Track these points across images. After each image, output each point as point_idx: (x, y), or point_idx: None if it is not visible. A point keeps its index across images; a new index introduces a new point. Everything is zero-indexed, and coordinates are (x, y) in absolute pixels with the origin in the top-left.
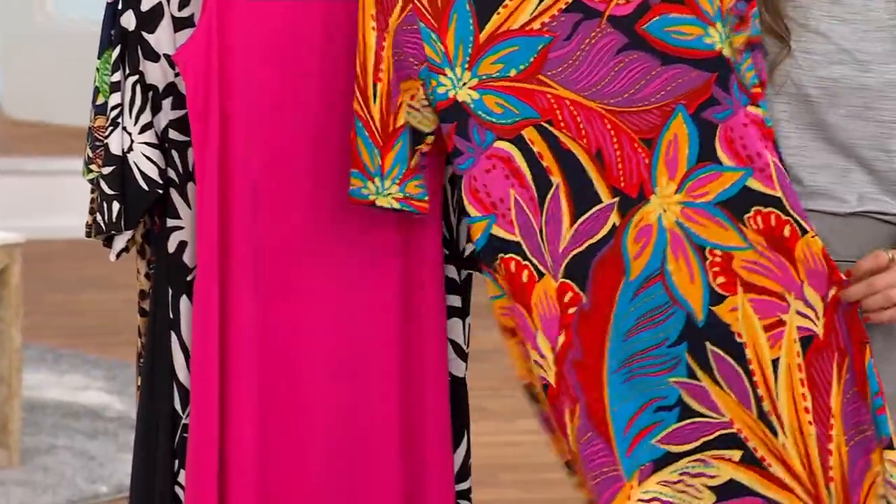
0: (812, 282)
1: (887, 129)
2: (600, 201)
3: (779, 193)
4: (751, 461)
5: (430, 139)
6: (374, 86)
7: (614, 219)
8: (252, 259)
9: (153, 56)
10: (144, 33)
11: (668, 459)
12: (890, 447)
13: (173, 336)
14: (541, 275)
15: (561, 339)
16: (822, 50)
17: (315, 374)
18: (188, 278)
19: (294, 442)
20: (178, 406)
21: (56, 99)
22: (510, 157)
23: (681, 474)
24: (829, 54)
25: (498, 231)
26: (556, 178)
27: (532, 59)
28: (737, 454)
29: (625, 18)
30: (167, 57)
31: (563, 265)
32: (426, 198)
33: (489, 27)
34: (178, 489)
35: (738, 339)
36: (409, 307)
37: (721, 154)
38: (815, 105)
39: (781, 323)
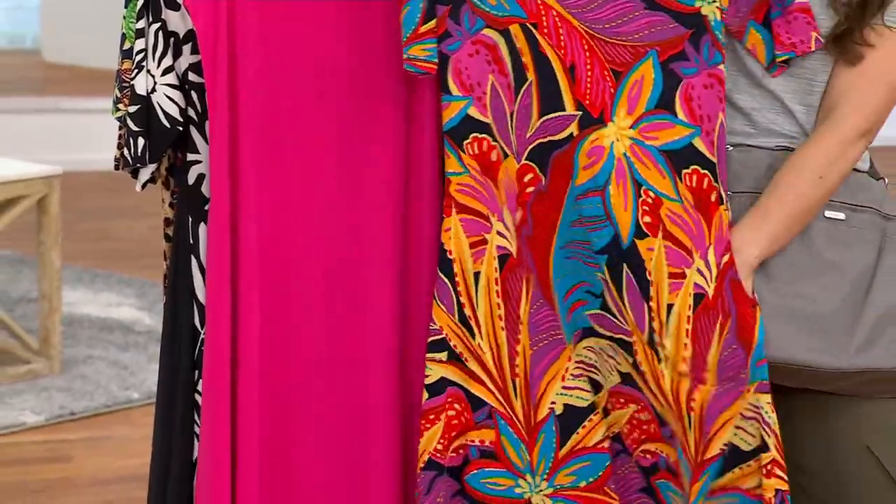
0: (717, 248)
1: (806, 84)
2: (564, 110)
3: (715, 160)
4: (637, 369)
5: None
6: None
7: (573, 129)
8: (259, 189)
9: (174, 5)
10: None
11: (593, 333)
12: (765, 391)
13: (193, 259)
14: (506, 156)
15: (518, 214)
16: None
17: (316, 286)
18: (206, 207)
19: (296, 353)
20: (197, 323)
21: (89, 44)
22: (495, 45)
23: (601, 347)
24: None
25: (473, 112)
26: (531, 77)
27: None
28: (631, 358)
29: None
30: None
31: (528, 149)
32: (435, 60)
33: None
34: (197, 396)
35: (648, 277)
36: (409, 189)
37: (678, 107)
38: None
39: (683, 275)
